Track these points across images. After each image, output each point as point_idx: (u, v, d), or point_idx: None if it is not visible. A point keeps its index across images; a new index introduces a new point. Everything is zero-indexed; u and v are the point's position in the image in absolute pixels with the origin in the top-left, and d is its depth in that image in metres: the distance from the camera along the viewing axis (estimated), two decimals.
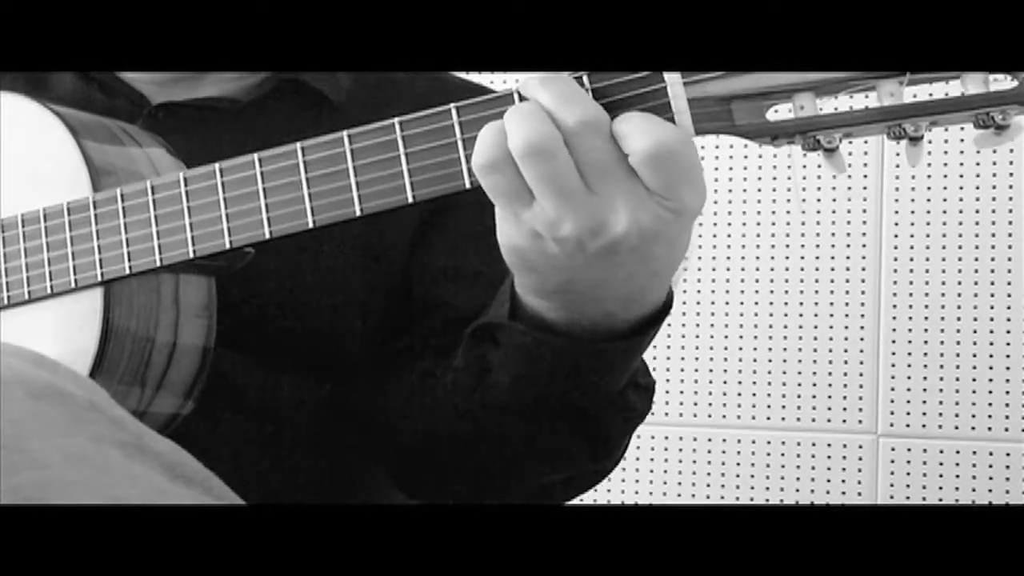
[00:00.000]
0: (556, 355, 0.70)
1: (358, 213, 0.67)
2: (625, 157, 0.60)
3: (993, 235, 1.65)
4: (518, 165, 0.60)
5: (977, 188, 1.65)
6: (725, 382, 1.77)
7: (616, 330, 0.69)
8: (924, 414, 1.68)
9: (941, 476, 1.67)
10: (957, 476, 1.66)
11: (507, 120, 0.61)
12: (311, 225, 0.69)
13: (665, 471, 1.78)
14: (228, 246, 0.71)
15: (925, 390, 1.68)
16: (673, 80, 0.62)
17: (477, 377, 0.76)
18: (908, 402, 1.69)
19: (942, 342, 1.67)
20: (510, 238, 0.64)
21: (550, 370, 0.72)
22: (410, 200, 0.66)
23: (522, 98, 0.64)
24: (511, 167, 0.61)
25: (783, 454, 1.74)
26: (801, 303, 1.73)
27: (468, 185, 0.65)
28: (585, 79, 0.63)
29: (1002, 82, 0.59)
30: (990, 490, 1.65)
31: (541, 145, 0.59)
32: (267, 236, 0.70)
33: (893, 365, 1.69)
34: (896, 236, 1.69)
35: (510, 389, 0.74)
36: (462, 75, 0.97)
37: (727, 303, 1.77)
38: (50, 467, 0.49)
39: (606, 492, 1.79)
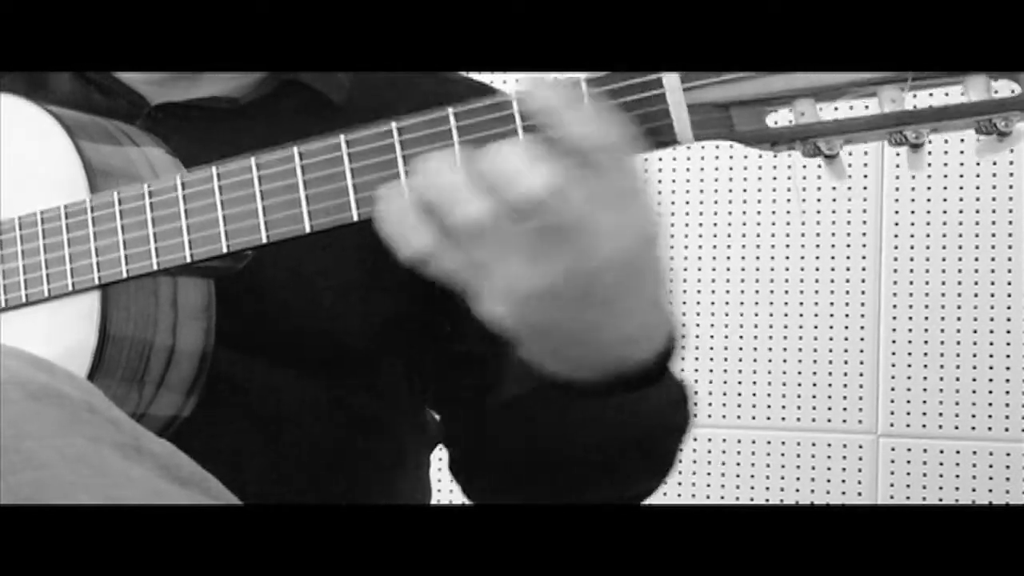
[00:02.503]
0: (586, 413, 0.70)
1: (355, 218, 0.67)
2: (572, 177, 0.57)
3: (993, 235, 1.65)
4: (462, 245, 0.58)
5: (977, 188, 1.65)
6: (725, 382, 1.77)
7: (637, 369, 0.67)
8: (924, 414, 1.68)
9: (941, 476, 1.67)
10: (957, 476, 1.66)
11: (439, 201, 0.58)
12: (308, 230, 0.68)
13: None
14: (225, 250, 0.71)
15: (925, 390, 1.68)
16: (672, 86, 0.61)
17: (526, 439, 0.77)
18: (908, 402, 1.69)
19: (942, 342, 1.67)
20: (488, 313, 0.61)
21: (585, 426, 0.72)
22: None
23: (520, 103, 0.63)
24: (450, 249, 0.58)
25: (783, 454, 1.74)
26: (801, 303, 1.73)
27: None
28: (583, 84, 0.63)
29: (1004, 89, 0.59)
30: (990, 490, 1.65)
31: (489, 224, 0.57)
32: (264, 240, 0.70)
33: (893, 365, 1.69)
34: (896, 236, 1.69)
35: (556, 442, 0.75)
36: (470, 75, 0.97)
37: (727, 303, 1.77)
38: (48, 467, 0.49)
39: None
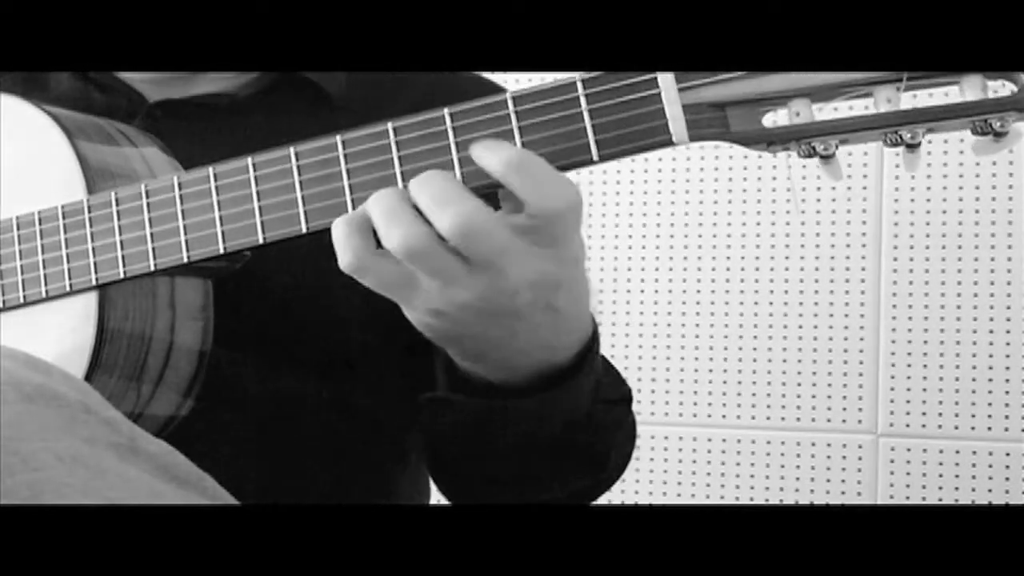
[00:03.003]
0: (504, 412, 0.73)
1: None
2: (501, 219, 0.61)
3: (993, 236, 1.64)
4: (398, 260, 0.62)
5: (977, 189, 1.65)
6: (725, 382, 1.77)
7: (555, 369, 0.71)
8: (924, 414, 1.67)
9: (941, 476, 1.67)
10: (957, 476, 1.66)
11: (378, 222, 0.62)
12: (304, 230, 0.69)
13: (665, 471, 1.78)
14: (222, 251, 0.71)
15: (925, 390, 1.67)
16: (667, 86, 0.61)
17: (449, 440, 0.80)
18: (908, 402, 1.68)
19: (942, 342, 1.67)
20: (414, 320, 0.66)
21: (506, 424, 0.74)
22: None
23: (516, 103, 0.64)
24: (382, 263, 0.62)
25: (783, 454, 1.74)
26: (801, 303, 1.73)
27: None
28: (579, 84, 0.63)
29: (1000, 88, 0.59)
30: (990, 490, 1.64)
31: (418, 248, 0.61)
32: (261, 241, 0.70)
33: (893, 365, 1.69)
34: (896, 236, 1.69)
35: (483, 439, 0.77)
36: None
37: (727, 303, 1.77)
38: (44, 469, 0.49)
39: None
